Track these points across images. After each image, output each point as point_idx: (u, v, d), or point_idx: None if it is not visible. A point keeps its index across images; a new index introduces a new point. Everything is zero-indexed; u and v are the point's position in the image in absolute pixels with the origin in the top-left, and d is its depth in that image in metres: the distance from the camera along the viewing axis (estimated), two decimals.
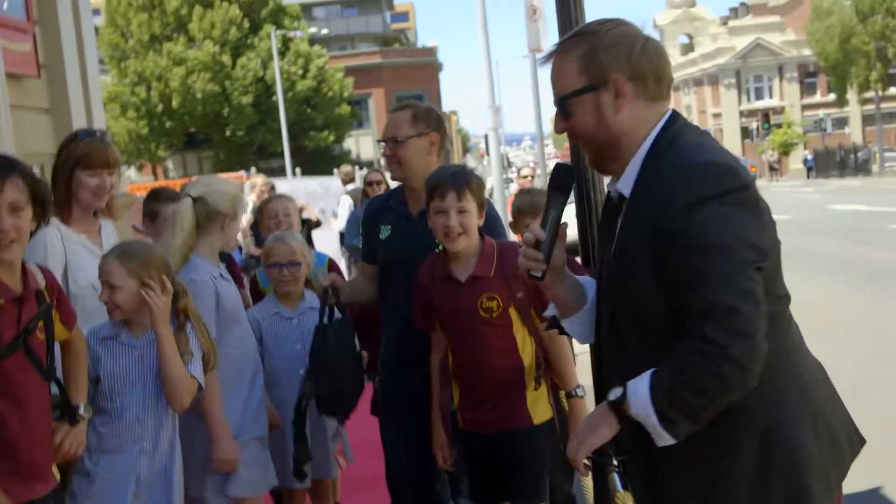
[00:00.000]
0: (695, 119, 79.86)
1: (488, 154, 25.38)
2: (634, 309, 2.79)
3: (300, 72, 55.25)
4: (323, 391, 4.81)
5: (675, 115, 2.89)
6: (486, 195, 4.66)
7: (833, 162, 62.79)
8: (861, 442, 2.90)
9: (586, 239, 4.84)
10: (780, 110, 77.75)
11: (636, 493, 2.94)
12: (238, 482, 4.64)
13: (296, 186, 20.81)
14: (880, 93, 62.99)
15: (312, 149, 57.40)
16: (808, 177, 66.14)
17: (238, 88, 53.27)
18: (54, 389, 3.78)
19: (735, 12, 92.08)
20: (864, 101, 67.32)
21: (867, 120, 74.00)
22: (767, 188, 51.79)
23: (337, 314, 4.94)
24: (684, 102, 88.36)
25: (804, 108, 79.26)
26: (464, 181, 4.39)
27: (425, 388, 4.71)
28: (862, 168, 59.00)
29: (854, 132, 75.99)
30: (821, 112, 73.30)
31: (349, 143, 64.70)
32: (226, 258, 6.28)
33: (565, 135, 3.04)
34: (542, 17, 19.86)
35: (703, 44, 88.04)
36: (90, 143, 4.68)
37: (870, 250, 18.82)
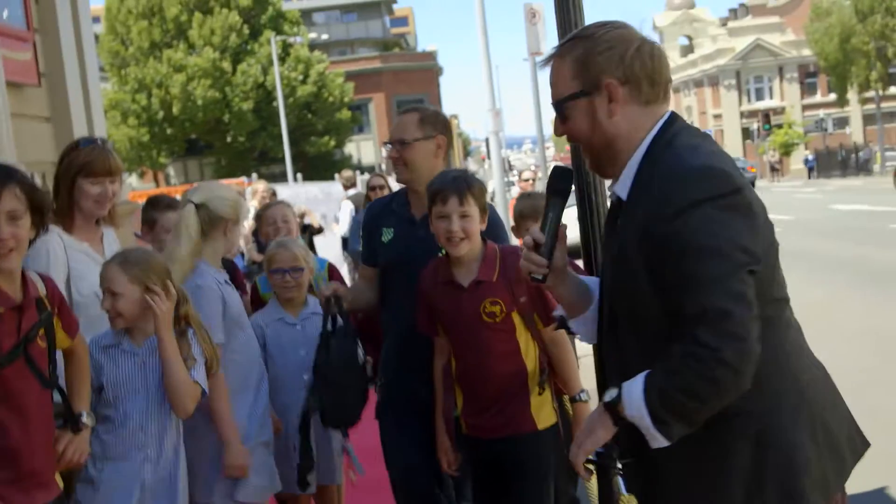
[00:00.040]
0: (695, 120, 79.87)
1: (489, 158, 25.39)
2: (632, 311, 2.81)
3: (300, 77, 55.26)
4: (327, 405, 4.79)
5: (673, 118, 2.89)
6: (488, 199, 4.66)
7: (834, 162, 62.78)
8: (865, 445, 2.90)
9: (588, 242, 4.84)
10: (780, 111, 77.79)
11: (639, 495, 2.95)
12: (248, 488, 4.66)
13: (297, 192, 20.78)
14: (881, 92, 62.99)
15: (313, 154, 57.40)
16: (810, 177, 66.11)
17: (238, 94, 53.27)
18: (57, 398, 3.78)
19: (734, 13, 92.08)
20: (864, 101, 67.30)
21: (868, 119, 74.01)
22: (769, 188, 51.82)
23: (340, 322, 4.92)
24: (684, 104, 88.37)
25: (805, 108, 79.27)
26: (466, 186, 4.38)
27: (427, 392, 4.70)
28: (863, 168, 58.98)
29: (855, 132, 75.98)
30: (821, 112, 73.30)
31: (350, 148, 64.70)
32: (228, 264, 6.28)
33: (566, 137, 3.06)
34: (541, 20, 19.89)
35: (702, 45, 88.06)
36: (91, 151, 4.69)
37: (871, 250, 18.81)
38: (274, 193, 12.75)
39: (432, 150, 4.88)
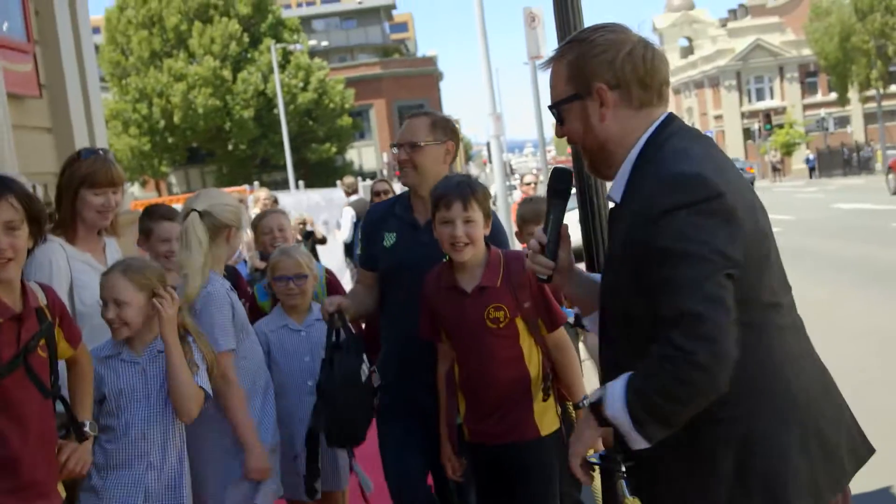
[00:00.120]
0: (696, 121, 79.91)
1: (491, 162, 25.37)
2: (623, 312, 2.83)
3: (301, 84, 55.31)
4: (331, 425, 4.74)
5: (668, 120, 2.90)
6: (490, 203, 4.65)
7: (836, 161, 62.71)
8: (869, 451, 2.89)
9: (589, 244, 4.84)
10: (781, 111, 77.76)
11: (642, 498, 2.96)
12: (267, 492, 4.71)
13: (299, 199, 20.78)
14: (881, 91, 62.94)
15: (315, 161, 57.44)
16: (811, 176, 66.05)
17: (239, 102, 53.33)
18: (59, 408, 3.79)
19: (734, 14, 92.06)
20: (865, 100, 67.23)
21: (869, 118, 73.96)
22: (770, 189, 51.81)
23: (344, 337, 4.88)
24: (685, 105, 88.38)
25: (805, 107, 79.21)
26: (469, 191, 4.36)
27: (427, 397, 4.68)
28: (865, 167, 58.93)
29: (856, 131, 75.94)
30: (822, 111, 73.24)
31: (351, 155, 64.73)
32: (232, 271, 6.29)
33: (566, 141, 3.09)
34: (540, 23, 19.90)
35: (702, 46, 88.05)
36: (94, 162, 4.71)
37: (874, 249, 18.78)
38: (276, 201, 12.76)
39: (441, 155, 4.88)
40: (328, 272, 6.45)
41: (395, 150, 4.95)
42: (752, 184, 42.05)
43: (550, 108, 3.02)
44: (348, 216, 15.30)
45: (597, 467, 2.94)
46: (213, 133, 54.68)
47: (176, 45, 54.04)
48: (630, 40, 2.90)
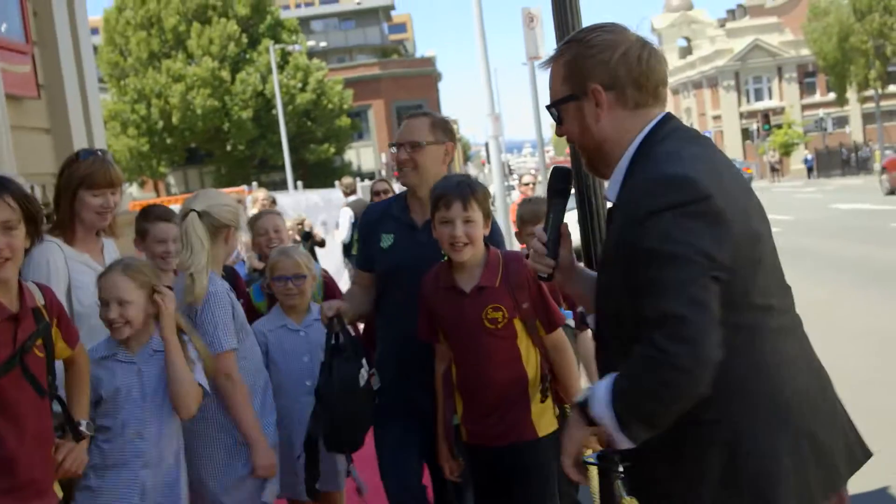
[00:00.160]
0: (695, 122, 79.95)
1: (489, 162, 25.38)
2: (615, 313, 2.84)
3: (299, 85, 55.32)
4: (329, 430, 4.72)
5: (664, 120, 2.90)
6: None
7: (834, 161, 62.76)
8: (866, 454, 2.88)
9: (588, 244, 4.84)
10: (779, 111, 77.78)
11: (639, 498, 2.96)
12: (274, 490, 4.77)
13: (297, 199, 20.80)
14: (880, 91, 63.06)
15: (313, 161, 57.46)
16: (809, 176, 66.09)
17: (238, 103, 53.35)
18: (56, 408, 3.79)
19: (732, 14, 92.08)
20: (863, 100, 67.36)
21: (867, 118, 74.00)
22: (769, 189, 51.84)
23: (343, 340, 4.87)
24: (684, 105, 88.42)
25: (804, 108, 79.23)
26: (469, 191, 4.35)
27: (424, 397, 4.67)
28: (863, 167, 58.98)
29: (855, 131, 75.97)
30: (821, 111, 73.27)
31: (350, 155, 64.76)
32: (230, 271, 6.28)
33: (566, 141, 3.10)
34: (539, 24, 19.92)
35: (701, 46, 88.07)
36: (92, 163, 4.71)
37: (873, 249, 18.79)
38: (274, 201, 12.75)
39: (441, 155, 4.87)
40: (325, 274, 6.45)
41: (393, 150, 4.93)
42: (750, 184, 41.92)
43: (548, 107, 3.03)
44: (346, 216, 15.30)
45: (594, 467, 2.94)
46: (211, 134, 54.69)
47: (174, 45, 54.06)
48: (627, 41, 2.90)
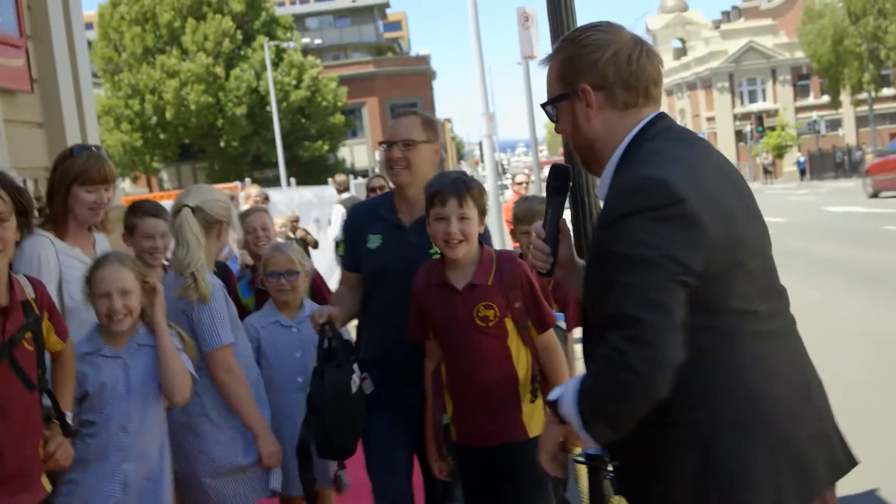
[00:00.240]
0: (688, 123, 80.00)
1: (483, 161, 25.38)
2: (596, 310, 2.83)
3: (294, 82, 55.29)
4: (321, 437, 4.70)
5: (654, 121, 2.90)
6: None
7: (827, 164, 62.83)
8: (851, 462, 2.86)
9: (581, 243, 4.84)
10: (773, 113, 77.85)
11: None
12: (278, 478, 4.87)
13: (291, 196, 20.73)
14: (873, 94, 63.14)
15: (307, 158, 57.43)
16: (802, 179, 66.16)
17: (232, 100, 53.31)
18: (46, 401, 3.78)
19: (727, 16, 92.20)
20: (857, 103, 67.46)
21: (861, 121, 74.15)
22: (762, 191, 51.85)
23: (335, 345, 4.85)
24: (678, 106, 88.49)
25: (798, 110, 79.37)
26: (465, 188, 4.33)
27: (411, 396, 4.66)
28: (856, 170, 59.04)
29: (848, 134, 76.11)
30: (814, 114, 73.41)
31: (343, 153, 64.72)
32: (222, 267, 6.28)
33: (559, 141, 3.11)
34: (534, 23, 19.90)
35: (695, 48, 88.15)
36: (87, 159, 4.70)
37: (866, 252, 18.80)
38: (267, 198, 12.72)
39: (432, 154, 4.85)
40: (314, 273, 6.44)
41: (383, 149, 4.90)
42: None
43: (543, 105, 3.04)
44: (339, 214, 15.26)
45: (583, 465, 2.95)
46: (205, 130, 54.65)
47: (169, 41, 54.01)
48: (619, 40, 2.90)
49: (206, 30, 53.50)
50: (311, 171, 54.51)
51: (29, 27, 7.46)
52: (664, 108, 2.97)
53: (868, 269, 16.54)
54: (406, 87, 66.54)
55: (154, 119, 53.35)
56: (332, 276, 14.22)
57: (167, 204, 5.34)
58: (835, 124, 76.41)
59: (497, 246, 5.60)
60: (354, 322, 5.12)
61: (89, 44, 39.55)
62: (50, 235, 4.60)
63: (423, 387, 4.62)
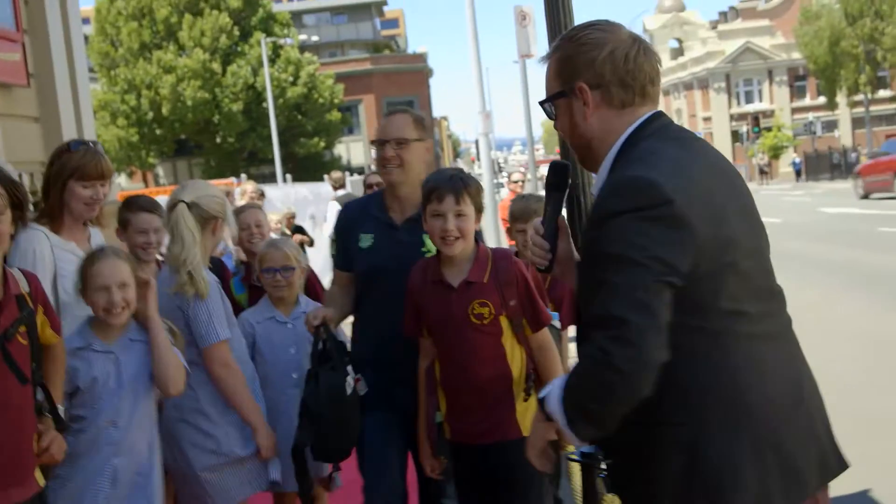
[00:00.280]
0: (685, 123, 79.97)
1: (479, 159, 25.38)
2: (587, 308, 2.84)
3: (290, 79, 55.23)
4: (316, 440, 4.68)
5: (650, 119, 2.90)
6: None
7: (823, 165, 62.88)
8: (842, 466, 2.86)
9: (576, 241, 4.83)
10: (769, 114, 77.93)
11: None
12: (278, 466, 4.90)
13: (286, 192, 20.72)
14: (869, 95, 63.23)
15: (303, 155, 57.36)
16: (798, 180, 66.22)
17: (228, 96, 53.23)
18: (39, 395, 3.78)
19: (724, 16, 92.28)
20: (853, 104, 67.52)
21: (857, 123, 74.21)
22: (757, 191, 51.88)
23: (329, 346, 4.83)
24: (674, 106, 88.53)
25: (794, 111, 79.45)
26: (462, 185, 4.33)
27: (403, 394, 4.65)
28: (851, 171, 59.07)
29: (844, 135, 76.19)
30: (810, 115, 73.54)
31: (340, 150, 64.65)
32: (217, 263, 6.27)
33: (556, 140, 3.11)
34: (531, 22, 19.89)
35: (692, 48, 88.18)
36: (84, 154, 4.70)
37: (862, 253, 18.83)
38: (263, 194, 12.71)
39: (423, 153, 4.83)
40: (309, 272, 6.43)
41: (374, 147, 4.85)
42: None
43: (541, 103, 3.04)
44: (334, 211, 15.25)
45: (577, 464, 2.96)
46: (201, 125, 54.58)
47: (166, 37, 53.94)
48: (617, 39, 2.90)
49: (203, 25, 53.44)
50: (307, 168, 54.44)
51: (26, 21, 7.46)
52: (661, 107, 2.97)
53: (864, 271, 16.56)
54: (403, 85, 66.45)
55: (150, 114, 53.26)
56: (328, 273, 14.20)
57: (163, 199, 5.34)
58: (831, 125, 76.53)
59: (493, 244, 5.60)
60: (350, 319, 5.11)
61: (86, 38, 39.44)
62: (45, 229, 4.59)
63: (416, 385, 4.61)
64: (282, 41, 54.74)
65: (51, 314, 3.85)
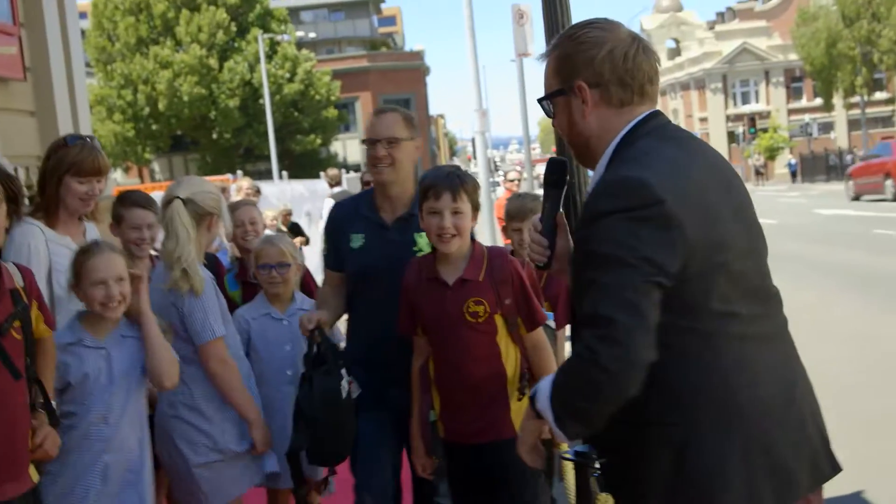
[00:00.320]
0: (681, 123, 79.73)
1: (475, 157, 25.39)
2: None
3: (287, 75, 55.21)
4: (311, 444, 4.66)
5: (647, 118, 2.89)
6: None
7: (819, 166, 62.93)
8: (834, 468, 2.86)
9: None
10: (766, 115, 78.00)
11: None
12: (273, 462, 4.94)
13: (282, 189, 20.71)
14: (866, 97, 63.26)
15: (299, 152, 57.35)
16: (793, 181, 66.28)
17: (225, 92, 53.21)
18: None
19: (722, 17, 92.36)
20: (849, 106, 67.62)
21: (853, 125, 74.27)
22: (753, 192, 51.80)
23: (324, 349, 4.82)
24: (671, 106, 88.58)
25: (790, 112, 79.54)
26: (459, 182, 4.32)
27: (396, 394, 4.63)
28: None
29: (840, 137, 76.26)
30: (807, 117, 73.64)
31: (336, 147, 64.65)
32: (212, 259, 6.26)
33: (552, 139, 3.11)
34: (529, 21, 19.89)
35: (689, 48, 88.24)
36: (81, 150, 4.69)
37: (857, 255, 18.87)
38: (258, 191, 12.71)
39: (413, 152, 4.82)
40: (304, 270, 6.42)
41: (369, 145, 4.78)
42: None
43: (540, 100, 3.04)
44: (328, 207, 15.26)
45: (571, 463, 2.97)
46: (197, 121, 54.56)
47: (163, 32, 53.93)
48: (616, 38, 2.89)
49: (201, 21, 53.42)
50: (303, 165, 54.43)
51: (22, 15, 7.44)
52: (658, 107, 2.96)
53: (860, 272, 16.59)
54: (400, 83, 66.46)
55: (147, 110, 53.25)
56: (321, 271, 14.19)
57: (158, 195, 5.33)
58: (827, 127, 76.60)
59: (488, 243, 5.60)
60: (345, 317, 5.10)
61: (83, 33, 39.52)
62: (40, 224, 4.58)
63: (409, 385, 4.60)
64: (279, 38, 54.70)
65: (45, 309, 3.84)
